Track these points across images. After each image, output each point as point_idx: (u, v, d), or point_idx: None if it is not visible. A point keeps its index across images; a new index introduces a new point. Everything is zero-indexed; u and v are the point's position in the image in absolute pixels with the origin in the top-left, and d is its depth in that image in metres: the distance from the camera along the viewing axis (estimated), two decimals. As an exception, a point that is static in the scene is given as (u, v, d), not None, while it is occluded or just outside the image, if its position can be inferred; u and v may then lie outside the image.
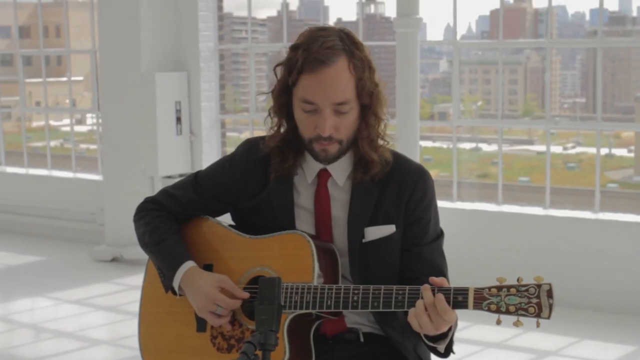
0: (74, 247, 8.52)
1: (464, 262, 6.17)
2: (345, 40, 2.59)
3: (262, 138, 2.80)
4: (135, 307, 6.74)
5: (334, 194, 2.72)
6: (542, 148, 27.42)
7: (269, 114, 2.72)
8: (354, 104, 2.60)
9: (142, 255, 8.44)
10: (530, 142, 25.92)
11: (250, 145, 2.81)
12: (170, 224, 2.83)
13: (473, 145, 25.31)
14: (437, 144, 24.23)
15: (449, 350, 2.62)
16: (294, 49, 2.60)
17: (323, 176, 2.72)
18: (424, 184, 2.72)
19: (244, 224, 2.81)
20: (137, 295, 7.14)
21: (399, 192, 2.70)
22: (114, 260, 8.02)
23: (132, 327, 6.13)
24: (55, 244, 8.73)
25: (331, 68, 2.54)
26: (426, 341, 2.57)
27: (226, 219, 2.89)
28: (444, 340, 2.56)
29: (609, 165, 24.65)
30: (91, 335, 6.11)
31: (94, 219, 8.64)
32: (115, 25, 7.99)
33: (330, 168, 2.70)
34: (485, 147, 25.64)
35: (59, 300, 6.90)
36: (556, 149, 24.68)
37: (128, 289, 7.24)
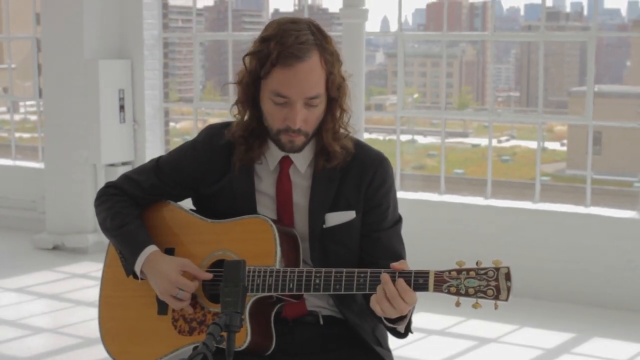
0: (15, 235, 8.43)
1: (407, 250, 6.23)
2: (317, 34, 2.62)
3: (224, 125, 2.81)
4: (77, 295, 6.72)
5: (295, 181, 2.76)
6: (476, 141, 27.62)
7: (236, 103, 2.73)
8: (323, 97, 2.64)
9: (84, 243, 8.37)
10: (465, 135, 26.15)
11: (213, 131, 2.83)
12: (131, 208, 2.84)
13: (409, 137, 25.47)
14: (373, 136, 24.33)
15: (407, 330, 2.66)
16: (264, 40, 2.61)
17: (285, 163, 2.75)
18: (384, 170, 2.77)
19: (205, 209, 2.83)
20: (79, 283, 7.12)
21: (359, 179, 2.74)
22: (55, 248, 7.95)
23: (73, 315, 6.13)
24: (-5, 231, 8.65)
25: (306, 63, 2.57)
26: (386, 323, 2.61)
27: (187, 204, 2.90)
28: (403, 321, 2.60)
29: (542, 159, 24.86)
30: (32, 323, 6.05)
31: (35, 207, 8.55)
32: (58, 12, 7.90)
33: (292, 155, 2.74)
34: (420, 139, 25.80)
35: (-1, 288, 6.84)
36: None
37: (69, 277, 7.18)
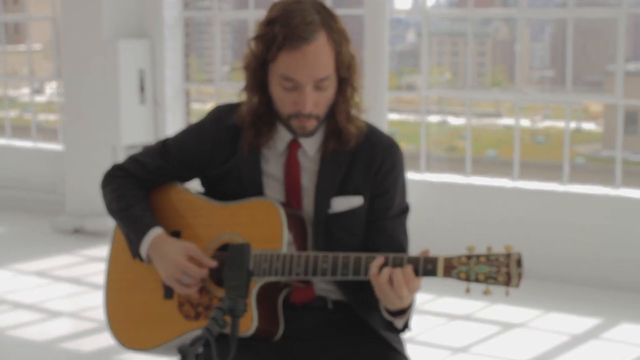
0: (35, 218, 8.43)
1: (432, 233, 6.14)
2: (322, 13, 2.56)
3: (233, 106, 2.77)
4: (97, 279, 6.72)
5: (304, 164, 2.71)
6: (509, 121, 27.42)
7: (244, 89, 2.67)
8: (333, 78, 2.58)
9: (104, 226, 8.37)
10: (498, 115, 25.93)
11: (220, 112, 2.79)
12: (137, 190, 2.83)
13: (440, 118, 25.31)
14: (404, 117, 24.18)
15: (405, 326, 2.63)
16: (269, 23, 2.55)
17: (293, 146, 2.70)
18: (393, 156, 2.72)
19: (213, 191, 2.80)
20: (99, 266, 7.11)
21: (368, 163, 2.69)
22: (76, 231, 7.94)
23: (94, 298, 6.09)
24: (15, 214, 8.65)
25: (313, 44, 2.51)
26: (385, 316, 2.57)
27: (195, 186, 2.88)
28: (403, 316, 2.57)
29: (577, 139, 24.64)
30: (52, 307, 6.03)
31: (55, 190, 8.57)
32: (76, -9, 7.85)
33: (301, 139, 2.69)
34: (452, 121, 25.63)
35: (19, 271, 6.81)
36: (524, 123, 24.77)
37: (90, 260, 7.16)
